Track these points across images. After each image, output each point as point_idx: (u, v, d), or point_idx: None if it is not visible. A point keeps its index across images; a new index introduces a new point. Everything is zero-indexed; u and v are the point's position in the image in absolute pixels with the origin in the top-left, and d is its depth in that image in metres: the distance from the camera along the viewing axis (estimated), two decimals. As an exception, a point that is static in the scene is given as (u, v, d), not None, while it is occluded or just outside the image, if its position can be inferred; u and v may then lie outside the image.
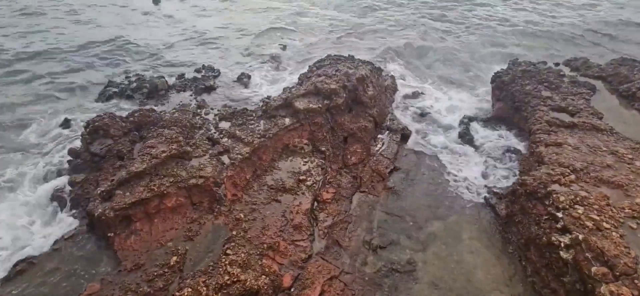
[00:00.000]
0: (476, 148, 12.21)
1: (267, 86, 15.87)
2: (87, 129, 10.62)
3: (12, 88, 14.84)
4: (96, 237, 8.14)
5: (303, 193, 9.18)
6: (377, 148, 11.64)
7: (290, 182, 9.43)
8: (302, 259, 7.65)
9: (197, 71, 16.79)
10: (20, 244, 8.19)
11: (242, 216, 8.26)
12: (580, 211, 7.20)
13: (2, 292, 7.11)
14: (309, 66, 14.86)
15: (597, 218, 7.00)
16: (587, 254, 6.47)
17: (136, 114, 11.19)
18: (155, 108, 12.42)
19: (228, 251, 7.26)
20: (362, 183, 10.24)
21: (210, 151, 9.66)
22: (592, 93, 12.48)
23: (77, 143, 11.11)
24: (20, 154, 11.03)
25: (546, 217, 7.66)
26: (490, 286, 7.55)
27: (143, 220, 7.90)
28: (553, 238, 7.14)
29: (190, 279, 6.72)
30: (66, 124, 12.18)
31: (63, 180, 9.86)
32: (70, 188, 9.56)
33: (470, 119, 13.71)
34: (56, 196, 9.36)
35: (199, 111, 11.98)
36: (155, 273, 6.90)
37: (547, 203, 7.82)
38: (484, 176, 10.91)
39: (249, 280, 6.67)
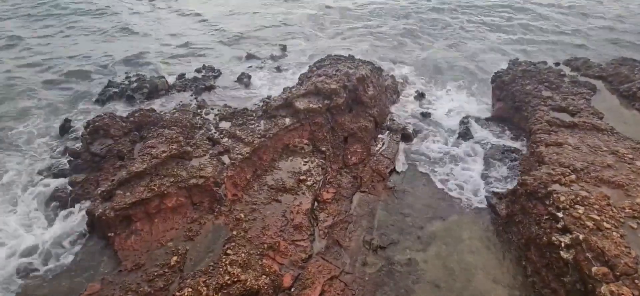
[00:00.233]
0: (476, 147, 12.20)
1: (268, 86, 15.88)
2: (88, 129, 10.64)
3: (12, 88, 14.85)
4: (96, 237, 8.16)
5: (303, 193, 9.18)
6: (377, 148, 11.64)
7: (291, 182, 9.43)
8: (302, 259, 7.65)
9: (198, 71, 16.80)
10: (20, 244, 8.19)
11: (242, 216, 8.27)
12: (580, 211, 7.20)
13: (3, 292, 7.12)
14: (309, 66, 14.86)
15: (598, 217, 6.99)
16: (587, 254, 6.46)
17: (136, 114, 11.21)
18: (156, 108, 12.43)
19: (228, 251, 7.26)
20: (362, 182, 10.23)
21: (210, 151, 9.66)
22: (593, 93, 12.47)
23: (78, 143, 11.13)
24: (21, 154, 11.05)
25: (546, 217, 7.65)
26: (490, 286, 7.54)
27: (143, 220, 7.91)
28: (553, 238, 7.14)
29: (191, 279, 6.72)
30: (67, 124, 12.19)
31: (63, 180, 9.87)
32: (70, 188, 9.57)
33: (471, 119, 13.70)
34: (56, 196, 9.38)
35: (199, 111, 11.99)
36: (156, 273, 6.91)
37: (547, 202, 7.81)
38: (484, 176, 10.90)
39: (249, 279, 6.67)
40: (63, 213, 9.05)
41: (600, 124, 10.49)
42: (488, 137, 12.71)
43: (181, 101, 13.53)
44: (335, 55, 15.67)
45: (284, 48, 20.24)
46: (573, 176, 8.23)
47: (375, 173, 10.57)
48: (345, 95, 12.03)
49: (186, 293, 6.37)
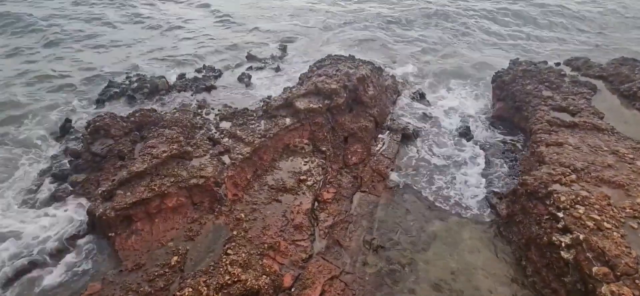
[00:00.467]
0: (476, 147, 12.20)
1: (268, 86, 15.87)
2: (88, 129, 10.65)
3: (13, 88, 14.86)
4: (97, 237, 8.17)
5: (304, 193, 9.19)
6: (377, 148, 11.64)
7: (291, 182, 9.44)
8: (302, 259, 7.66)
9: (198, 71, 16.80)
10: (20, 244, 8.20)
11: (242, 216, 8.27)
12: (581, 211, 7.20)
13: (3, 293, 7.13)
14: (310, 66, 14.87)
15: (598, 217, 6.99)
16: (588, 254, 6.46)
17: (137, 114, 11.22)
18: (156, 108, 12.43)
19: (229, 251, 7.27)
20: (362, 182, 10.24)
21: (211, 151, 9.67)
22: (593, 93, 12.47)
23: (78, 143, 11.13)
24: (21, 154, 11.04)
25: (547, 217, 7.65)
26: (490, 287, 7.54)
27: (144, 220, 7.92)
28: (554, 238, 7.14)
29: (191, 279, 6.72)
30: (67, 124, 12.19)
31: (64, 180, 9.87)
32: (71, 188, 9.58)
33: (471, 118, 13.70)
34: (57, 196, 9.37)
35: (199, 111, 12.00)
36: (156, 273, 6.92)
37: (547, 202, 7.81)
38: (485, 175, 10.90)
39: (249, 279, 6.68)
40: (64, 213, 9.05)
41: (600, 124, 10.49)
42: (488, 137, 12.72)
43: (182, 101, 13.53)
44: (335, 55, 15.68)
45: (284, 48, 20.24)
46: (573, 176, 8.23)
47: (376, 173, 10.57)
48: (345, 95, 12.04)
49: (187, 293, 6.38)
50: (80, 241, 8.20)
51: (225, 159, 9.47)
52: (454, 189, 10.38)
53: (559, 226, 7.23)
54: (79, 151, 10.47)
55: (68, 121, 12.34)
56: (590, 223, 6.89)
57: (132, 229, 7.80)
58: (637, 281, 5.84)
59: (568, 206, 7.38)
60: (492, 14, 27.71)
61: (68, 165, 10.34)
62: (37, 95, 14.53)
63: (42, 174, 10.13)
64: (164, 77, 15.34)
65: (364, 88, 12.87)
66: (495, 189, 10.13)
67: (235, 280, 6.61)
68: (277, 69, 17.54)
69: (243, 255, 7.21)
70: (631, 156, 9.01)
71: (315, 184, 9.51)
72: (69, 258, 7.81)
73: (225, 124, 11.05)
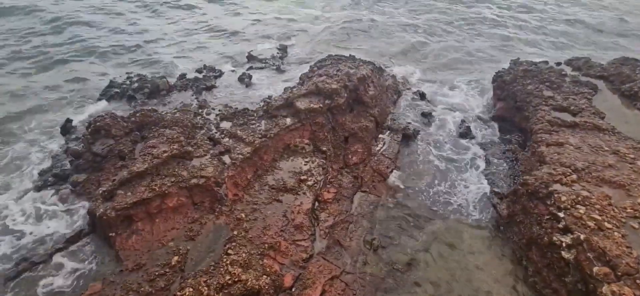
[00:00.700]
0: (477, 147, 12.19)
1: (269, 86, 15.86)
2: (89, 129, 10.65)
3: (14, 88, 14.89)
4: (98, 237, 8.19)
5: (304, 193, 9.19)
6: (378, 148, 11.63)
7: (292, 182, 9.44)
8: (303, 259, 7.66)
9: (198, 71, 16.80)
10: (22, 244, 8.22)
11: (243, 216, 8.28)
12: (581, 211, 7.19)
13: (5, 291, 7.14)
14: (310, 66, 14.86)
15: (599, 218, 6.98)
16: (588, 254, 6.45)
17: (138, 114, 11.22)
18: (157, 108, 12.43)
19: (229, 251, 7.27)
20: (363, 182, 10.24)
21: (211, 151, 9.68)
22: (594, 93, 12.44)
23: (79, 144, 11.14)
24: (22, 155, 11.06)
25: (548, 217, 7.64)
26: (491, 287, 7.54)
27: (144, 220, 7.93)
28: (555, 238, 7.13)
29: (192, 279, 6.73)
30: (68, 124, 12.20)
31: (65, 180, 9.89)
32: (72, 188, 9.59)
33: (472, 118, 13.68)
34: (58, 196, 9.38)
35: (200, 111, 12.00)
36: (157, 273, 6.92)
37: (548, 202, 7.80)
38: (485, 175, 10.89)
39: (250, 279, 6.68)
40: (64, 213, 9.06)
41: (601, 123, 10.48)
42: (489, 137, 12.70)
43: (182, 101, 13.52)
44: (336, 55, 15.66)
45: (285, 48, 20.23)
46: (574, 176, 8.22)
47: (376, 173, 10.57)
48: (346, 95, 12.03)
49: (187, 293, 6.39)
50: (81, 241, 8.22)
51: (226, 159, 9.47)
52: (455, 189, 10.37)
53: (560, 226, 7.23)
54: (80, 151, 10.48)
55: (69, 121, 12.35)
56: (591, 223, 6.88)
57: (132, 229, 7.80)
58: (638, 281, 5.83)
59: (569, 206, 7.37)
60: (495, 14, 27.68)
61: (69, 165, 10.36)
62: (38, 95, 14.55)
63: (43, 174, 10.15)
64: (164, 77, 15.34)
65: (364, 88, 12.86)
66: (496, 189, 10.11)
67: (236, 280, 6.62)
68: (278, 69, 17.53)
69: (243, 254, 7.21)
70: (632, 156, 9.00)
71: (315, 184, 9.51)
72: (70, 257, 7.83)
73: (226, 124, 11.05)
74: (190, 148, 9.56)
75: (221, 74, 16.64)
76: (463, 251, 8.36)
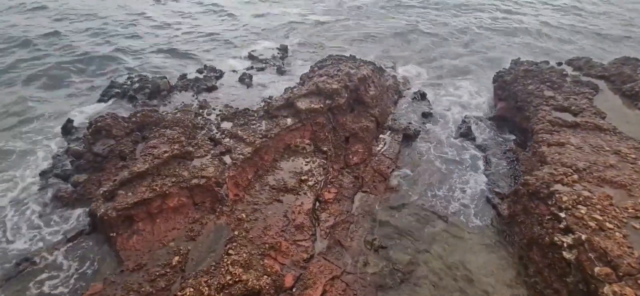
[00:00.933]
0: (478, 147, 12.17)
1: (269, 86, 15.86)
2: (90, 130, 10.66)
3: (15, 88, 14.91)
4: (99, 237, 8.18)
5: (305, 193, 9.18)
6: (379, 148, 11.63)
7: (292, 182, 9.43)
8: (303, 259, 7.65)
9: (199, 71, 16.80)
10: (22, 243, 8.22)
11: (244, 216, 8.27)
12: (583, 211, 7.17)
13: (6, 291, 7.15)
14: (311, 66, 14.87)
15: (600, 218, 6.97)
16: (590, 254, 6.44)
17: (138, 115, 11.22)
18: (157, 108, 12.44)
19: (230, 251, 7.27)
20: (363, 183, 10.23)
21: (212, 151, 9.68)
22: (595, 93, 12.42)
23: (80, 144, 11.14)
24: (23, 155, 11.07)
25: (549, 217, 7.63)
26: (491, 287, 7.52)
27: (145, 220, 7.93)
28: (556, 238, 7.12)
29: (193, 279, 6.73)
30: (69, 124, 12.22)
31: (66, 180, 9.89)
32: (72, 188, 9.60)
33: (472, 118, 13.67)
34: (59, 196, 9.39)
35: (201, 111, 12.00)
36: (158, 273, 6.92)
37: (549, 202, 7.79)
38: (486, 175, 10.87)
39: (250, 280, 6.68)
40: (65, 213, 9.07)
41: (602, 123, 10.46)
42: (490, 137, 12.68)
43: (183, 101, 13.53)
44: (336, 55, 15.67)
45: (285, 48, 20.24)
46: (575, 176, 8.21)
47: (377, 173, 10.56)
48: (346, 95, 12.03)
49: (188, 293, 6.39)
50: (82, 241, 8.22)
51: (227, 159, 9.47)
52: (456, 189, 10.36)
53: (561, 226, 7.21)
54: (81, 151, 10.48)
55: (70, 121, 12.36)
56: (592, 223, 6.87)
57: (133, 229, 7.80)
58: (639, 281, 5.82)
59: (570, 207, 7.36)
60: (495, 15, 27.65)
61: (70, 165, 10.37)
62: (39, 96, 14.57)
63: (44, 174, 10.15)
64: (165, 77, 15.35)
65: (365, 88, 12.86)
66: (497, 190, 10.10)
67: (237, 280, 6.62)
68: (278, 69, 17.54)
69: (244, 255, 7.21)
70: (633, 155, 8.98)
71: (316, 185, 9.50)
72: (71, 257, 7.83)
73: (227, 125, 11.06)
74: (191, 148, 9.56)
75: (222, 74, 16.65)
76: (464, 251, 8.35)
